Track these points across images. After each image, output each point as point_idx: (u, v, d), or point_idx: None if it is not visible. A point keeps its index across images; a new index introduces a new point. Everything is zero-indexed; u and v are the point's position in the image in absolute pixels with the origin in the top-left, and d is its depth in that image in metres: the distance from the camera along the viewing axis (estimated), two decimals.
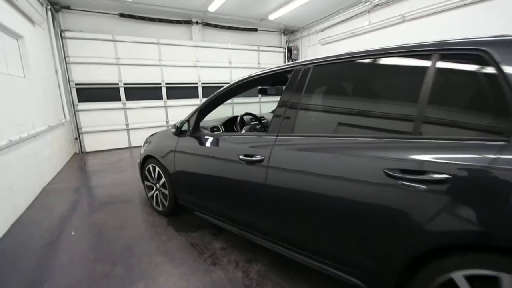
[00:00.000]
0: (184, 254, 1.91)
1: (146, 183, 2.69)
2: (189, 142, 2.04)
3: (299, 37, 8.06)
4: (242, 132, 2.22)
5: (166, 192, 2.38)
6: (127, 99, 6.06)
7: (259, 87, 2.28)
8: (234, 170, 1.65)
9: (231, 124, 2.64)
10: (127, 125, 6.15)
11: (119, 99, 5.99)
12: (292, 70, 1.52)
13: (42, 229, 2.39)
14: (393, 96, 1.23)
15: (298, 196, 1.31)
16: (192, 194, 2.13)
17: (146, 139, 2.77)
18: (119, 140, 6.10)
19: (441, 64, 1.04)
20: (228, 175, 1.70)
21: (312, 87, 1.44)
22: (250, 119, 2.68)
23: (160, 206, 2.53)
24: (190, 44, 6.67)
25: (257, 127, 2.47)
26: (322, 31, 7.15)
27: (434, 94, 1.03)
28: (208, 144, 1.90)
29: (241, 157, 1.57)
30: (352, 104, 1.35)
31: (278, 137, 1.46)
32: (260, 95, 7.92)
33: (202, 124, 2.17)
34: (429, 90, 1.03)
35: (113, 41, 5.80)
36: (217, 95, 1.92)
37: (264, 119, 2.74)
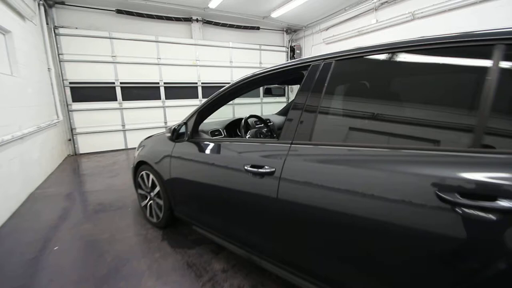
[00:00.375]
0: (179, 277, 1.67)
1: (139, 191, 2.45)
2: (186, 148, 1.80)
3: (302, 36, 7.83)
4: (247, 137, 1.99)
5: (161, 202, 2.14)
6: (123, 98, 5.81)
7: (266, 86, 2.05)
8: (238, 181, 1.42)
9: (233, 128, 2.40)
10: (123, 126, 5.91)
11: (115, 98, 5.75)
12: (309, 65, 1.28)
13: (22, 244, 2.14)
14: (446, 98, 0.98)
15: (319, 216, 1.07)
16: (189, 206, 1.90)
17: (141, 143, 2.53)
18: (115, 142, 5.85)
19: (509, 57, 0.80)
20: (231, 187, 1.46)
21: (335, 86, 1.20)
22: (255, 121, 2.44)
23: (154, 217, 2.29)
24: (190, 43, 6.44)
25: (263, 130, 2.23)
26: (326, 30, 6.92)
27: (501, 96, 0.79)
28: (208, 150, 1.66)
29: (247, 167, 1.33)
30: (389, 108, 1.10)
31: (292, 146, 1.22)
32: (262, 95, 7.69)
33: (201, 127, 1.93)
34: (494, 91, 0.79)
35: (110, 38, 5.56)
36: (219, 96, 1.68)
37: (269, 122, 2.49)
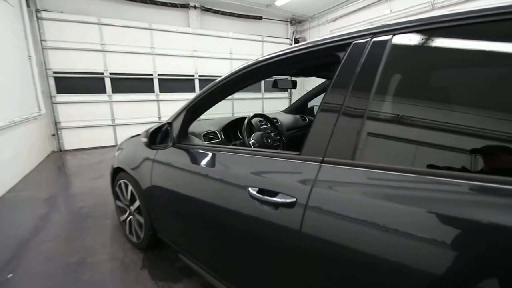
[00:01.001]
0: None
1: (118, 203, 2.03)
2: (172, 156, 1.37)
3: (308, 28, 7.35)
4: (251, 141, 1.55)
5: (142, 220, 1.73)
6: (113, 91, 5.35)
7: (275, 77, 1.62)
8: (239, 209, 1.00)
9: (233, 129, 1.97)
10: (113, 120, 5.45)
11: (104, 91, 5.28)
12: (349, 44, 0.85)
13: None
14: None
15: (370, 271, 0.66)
16: (175, 230, 1.49)
17: (121, 144, 2.10)
18: (103, 137, 5.40)
19: None
20: (229, 215, 1.05)
21: (396, 76, 0.78)
22: (259, 121, 2.01)
23: (135, 236, 1.87)
24: (187, 31, 5.95)
25: (271, 133, 1.81)
26: (334, 21, 6.45)
27: None
28: (199, 161, 1.23)
29: (252, 192, 0.92)
30: (498, 112, 0.66)
31: (323, 165, 0.80)
32: (263, 90, 7.24)
33: (192, 128, 1.51)
34: None
35: (98, 24, 5.07)
36: (214, 88, 1.25)
37: (277, 122, 2.06)
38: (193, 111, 1.38)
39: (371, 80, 0.76)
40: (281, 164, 0.93)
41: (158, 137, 1.32)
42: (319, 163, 0.81)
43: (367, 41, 0.81)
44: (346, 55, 0.84)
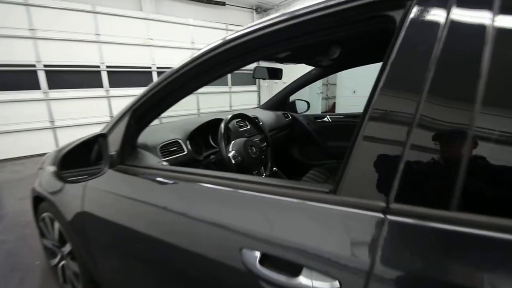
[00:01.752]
0: None
1: (45, 242, 1.47)
2: (112, 187, 0.89)
3: None
4: (231, 153, 1.10)
5: (77, 269, 1.22)
6: (50, 87, 4.44)
7: (257, 64, 1.21)
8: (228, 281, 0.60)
9: (204, 134, 1.48)
10: (52, 122, 4.56)
11: (38, 87, 4.36)
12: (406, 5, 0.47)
13: None
14: None
15: None
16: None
17: (45, 159, 1.52)
18: (41, 143, 4.48)
19: None
20: None
21: None
22: (237, 121, 1.56)
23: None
24: (139, 16, 5.20)
25: (255, 139, 1.39)
26: None
27: None
28: (155, 196, 0.78)
29: (249, 259, 0.52)
30: None
31: (391, 219, 0.42)
32: (230, 83, 6.74)
33: (143, 139, 1.04)
34: None
35: (25, 5, 4.12)
36: (172, 79, 0.80)
37: (259, 122, 1.64)
38: (142, 114, 0.91)
39: (472, 67, 0.39)
40: (302, 211, 0.53)
41: (66, 164, 0.80)
42: (381, 214, 0.43)
43: None
44: (406, 27, 0.46)
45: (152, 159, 0.94)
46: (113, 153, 0.89)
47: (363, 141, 0.47)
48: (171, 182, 0.77)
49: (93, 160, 0.86)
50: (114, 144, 0.90)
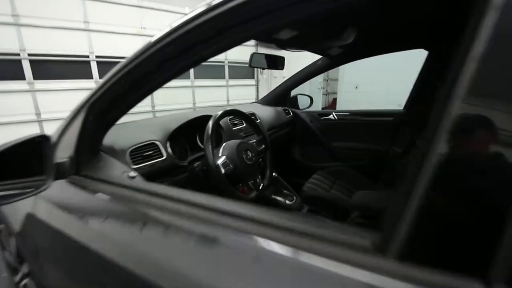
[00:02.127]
0: None
1: (6, 255, 1.27)
2: (61, 201, 0.69)
3: None
4: (221, 159, 0.90)
5: None
6: (35, 77, 4.18)
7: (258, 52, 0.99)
8: None
9: (190, 132, 1.25)
10: (38, 115, 4.30)
11: (22, 77, 4.10)
12: None
13: None
14: None
15: None
16: None
17: None
18: None
19: None
20: None
21: None
22: (230, 119, 1.33)
23: None
24: (132, 3, 4.91)
25: (252, 141, 1.17)
26: None
27: None
28: (103, 227, 0.57)
29: None
30: None
31: None
32: (227, 77, 6.48)
33: (111, 140, 0.82)
34: None
35: None
36: (137, 61, 0.59)
37: (257, 120, 1.42)
38: (104, 108, 0.70)
39: None
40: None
41: (14, 168, 0.60)
42: None
43: None
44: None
45: (116, 168, 0.73)
46: (64, 160, 0.68)
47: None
48: (128, 210, 0.56)
49: (35, 170, 0.65)
50: (67, 148, 0.69)
